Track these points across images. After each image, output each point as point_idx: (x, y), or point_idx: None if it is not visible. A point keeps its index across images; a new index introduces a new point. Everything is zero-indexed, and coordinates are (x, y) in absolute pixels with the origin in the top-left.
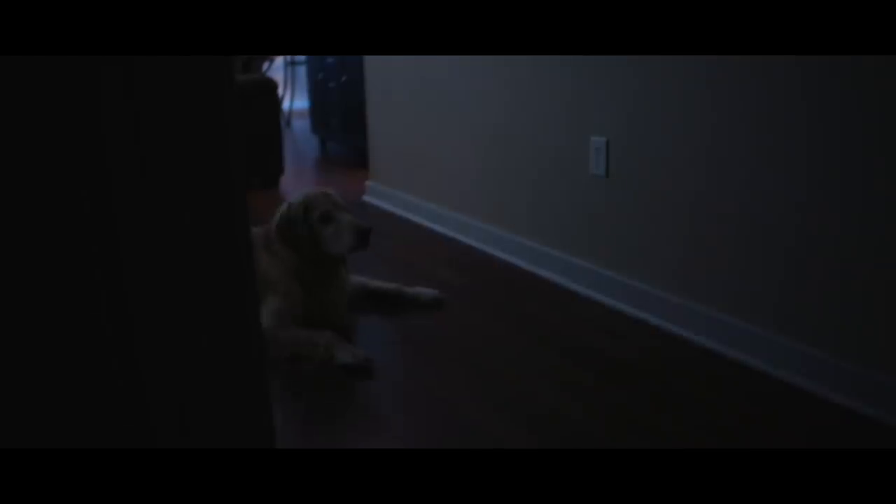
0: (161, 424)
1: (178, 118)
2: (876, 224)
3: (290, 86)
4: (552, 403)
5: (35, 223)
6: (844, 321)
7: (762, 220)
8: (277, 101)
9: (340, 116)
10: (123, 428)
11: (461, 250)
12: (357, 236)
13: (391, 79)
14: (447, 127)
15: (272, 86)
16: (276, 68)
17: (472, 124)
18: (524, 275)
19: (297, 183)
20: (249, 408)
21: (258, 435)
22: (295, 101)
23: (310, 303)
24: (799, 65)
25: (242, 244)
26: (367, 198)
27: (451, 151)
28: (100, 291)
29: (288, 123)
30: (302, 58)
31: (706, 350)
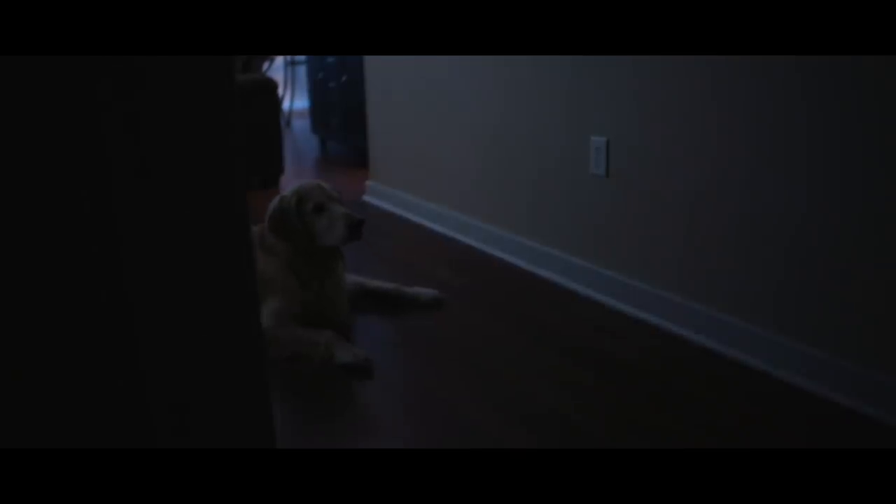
0: (161, 424)
1: (178, 118)
2: (876, 224)
3: (290, 86)
4: (552, 403)
5: (36, 223)
6: (844, 321)
7: (762, 220)
8: (277, 101)
9: (340, 116)
10: (123, 428)
11: (461, 250)
12: (350, 227)
13: (391, 79)
14: (447, 127)
15: (272, 86)
16: (276, 68)
17: (472, 124)
18: (524, 275)
19: (297, 183)
20: (249, 408)
21: (258, 435)
22: (295, 101)
23: (307, 298)
24: (799, 65)
25: (242, 244)
26: (367, 198)
27: (451, 151)
28: (100, 291)
29: (288, 123)
30: (302, 58)
31: (706, 350)
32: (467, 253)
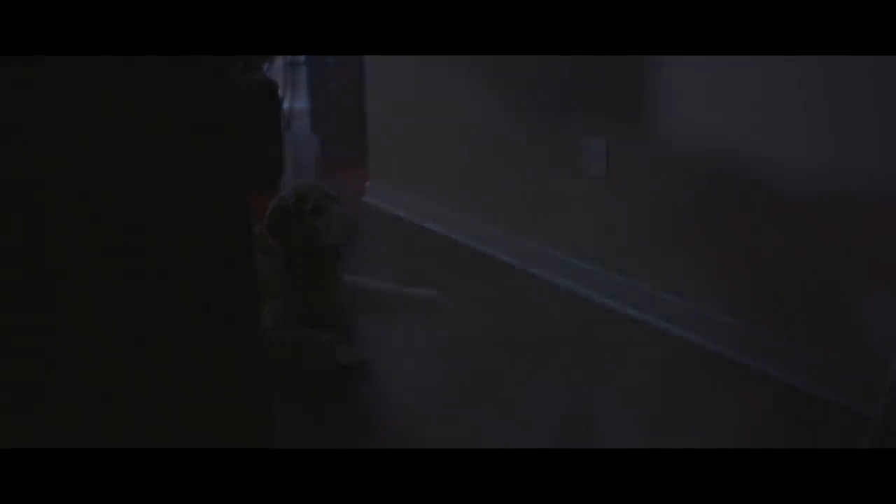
0: (161, 424)
1: (177, 118)
2: (875, 224)
3: (290, 87)
4: (552, 403)
5: (35, 223)
6: (844, 321)
7: (762, 221)
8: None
9: (340, 117)
10: (123, 428)
11: (460, 251)
12: (348, 228)
13: (391, 79)
14: (447, 127)
15: (273, 87)
16: (277, 69)
17: (472, 125)
18: (523, 275)
19: (295, 183)
20: (249, 408)
21: (258, 435)
22: (295, 101)
23: (307, 299)
24: (799, 64)
25: (242, 244)
26: (367, 198)
27: (451, 152)
28: (99, 291)
29: (288, 124)
30: (302, 59)
31: (706, 350)
32: (467, 253)
